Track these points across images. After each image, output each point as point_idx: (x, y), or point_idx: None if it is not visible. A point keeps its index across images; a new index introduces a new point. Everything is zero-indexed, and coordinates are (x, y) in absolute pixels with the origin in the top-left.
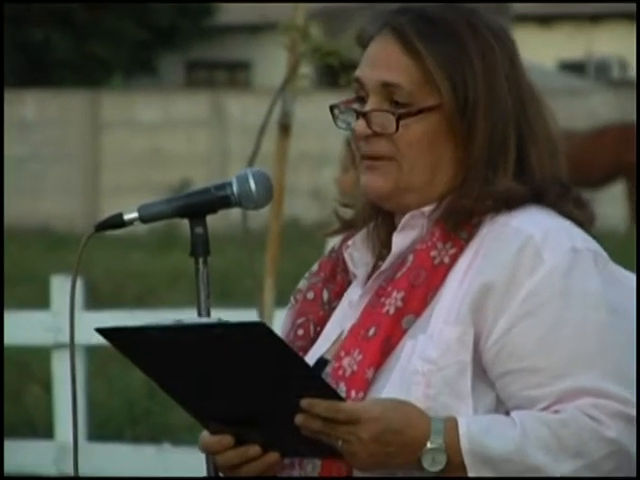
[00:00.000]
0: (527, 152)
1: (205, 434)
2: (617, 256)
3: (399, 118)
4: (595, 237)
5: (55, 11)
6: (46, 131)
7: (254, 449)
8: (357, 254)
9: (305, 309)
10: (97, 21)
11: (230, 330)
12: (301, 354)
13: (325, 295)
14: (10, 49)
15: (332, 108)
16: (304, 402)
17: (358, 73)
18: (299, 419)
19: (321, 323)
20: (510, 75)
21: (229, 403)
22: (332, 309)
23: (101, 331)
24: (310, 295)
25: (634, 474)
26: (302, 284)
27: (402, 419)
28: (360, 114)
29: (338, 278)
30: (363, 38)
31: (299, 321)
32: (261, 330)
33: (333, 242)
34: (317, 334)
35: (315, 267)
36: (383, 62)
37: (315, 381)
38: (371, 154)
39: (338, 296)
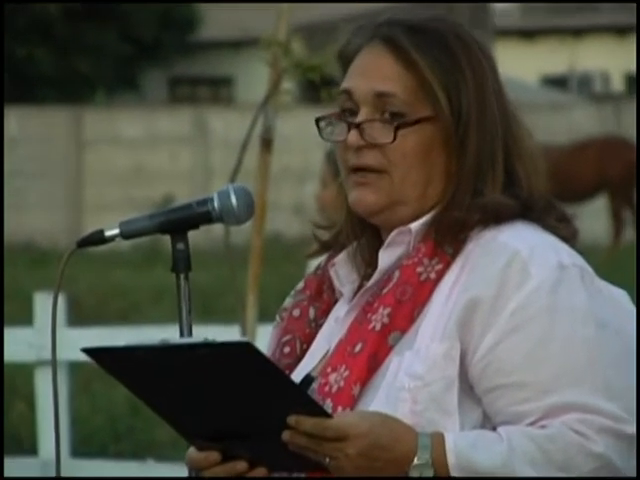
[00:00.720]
0: (514, 167)
1: (192, 450)
2: (601, 270)
3: (397, 128)
4: (579, 252)
5: (36, 24)
6: (29, 147)
7: (241, 464)
8: (343, 272)
9: (291, 327)
10: (78, 35)
11: (216, 350)
12: (287, 372)
13: (311, 313)
14: None
15: (317, 120)
16: (291, 419)
17: (348, 84)
18: (286, 436)
19: (307, 341)
20: (497, 90)
21: (216, 420)
22: (318, 327)
23: (87, 351)
24: (296, 313)
25: None
26: (287, 302)
27: (389, 434)
28: (353, 125)
29: (324, 296)
30: (347, 51)
31: (285, 339)
32: (247, 349)
33: (316, 262)
34: (303, 352)
35: (301, 285)
36: (376, 72)
37: (302, 398)
38: (362, 166)
39: (324, 314)
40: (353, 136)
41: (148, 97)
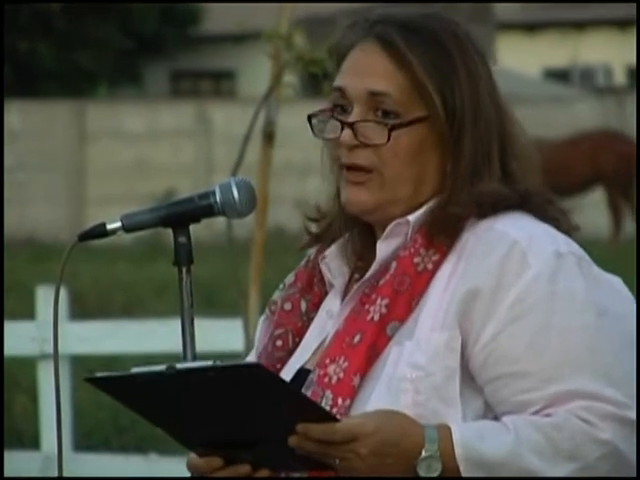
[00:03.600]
0: (510, 165)
1: (193, 455)
2: (601, 263)
3: (392, 129)
4: (580, 245)
5: (37, 18)
6: (31, 141)
7: (244, 468)
8: (334, 264)
9: (283, 320)
10: (80, 29)
11: (225, 373)
12: (279, 365)
13: (303, 306)
14: None
15: (310, 117)
16: (300, 427)
17: (340, 82)
18: (294, 441)
19: (299, 334)
20: (490, 87)
21: (221, 432)
22: (310, 320)
23: (90, 380)
24: (287, 306)
25: (629, 475)
26: (277, 295)
27: (397, 429)
28: (346, 124)
29: (315, 289)
30: (341, 46)
31: (277, 332)
32: (257, 371)
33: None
34: (296, 345)
35: (291, 278)
36: (370, 71)
37: (310, 408)
38: (353, 165)
39: (316, 307)
40: (346, 135)
41: (150, 91)
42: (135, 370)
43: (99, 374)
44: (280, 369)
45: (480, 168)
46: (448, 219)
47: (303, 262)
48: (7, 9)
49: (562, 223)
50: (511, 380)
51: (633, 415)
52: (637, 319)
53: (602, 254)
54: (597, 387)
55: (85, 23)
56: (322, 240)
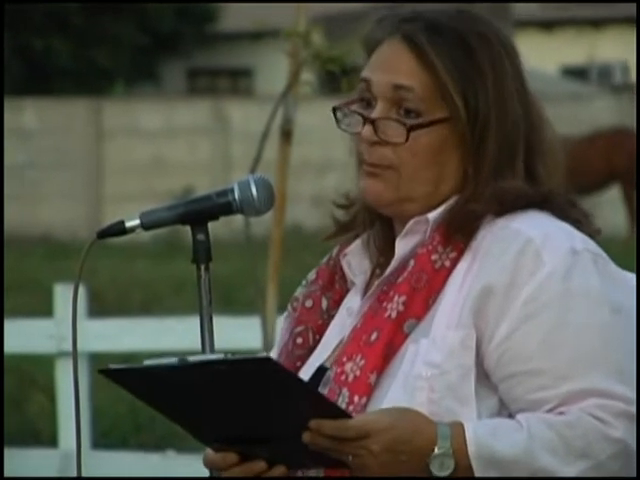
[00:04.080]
0: (534, 164)
1: (209, 451)
2: (619, 261)
3: (410, 130)
4: (597, 243)
5: (53, 16)
6: (48, 139)
7: (260, 465)
8: (355, 261)
9: (304, 317)
10: (96, 26)
11: (236, 366)
12: (299, 363)
13: (324, 303)
14: (10, 57)
15: (335, 110)
16: (313, 423)
17: (367, 74)
18: (307, 437)
19: (320, 331)
20: (519, 86)
21: (235, 428)
22: (331, 317)
23: (104, 372)
24: (309, 303)
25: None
26: (299, 292)
27: (410, 426)
28: (368, 120)
29: (336, 286)
30: (370, 41)
31: (298, 329)
32: (267, 364)
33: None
34: (316, 342)
35: (313, 275)
36: (395, 67)
37: (321, 402)
38: (373, 161)
39: (337, 304)
40: (367, 131)
41: (167, 88)
42: (148, 362)
43: (112, 366)
44: (300, 367)
45: (503, 169)
46: (467, 216)
47: (325, 259)
48: (23, 7)
49: (584, 225)
50: (525, 378)
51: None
52: (637, 311)
53: (619, 251)
54: (610, 384)
55: (102, 21)
56: (347, 231)
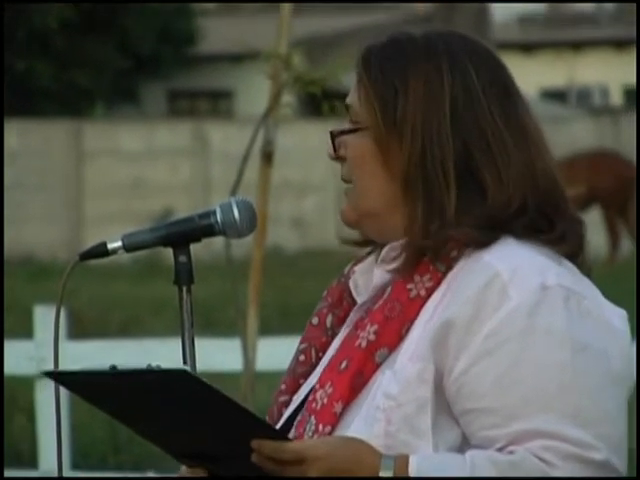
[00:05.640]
0: (483, 179)
1: (183, 467)
2: (599, 284)
3: (333, 136)
4: (587, 268)
5: (35, 37)
6: (29, 160)
7: None
8: (361, 280)
9: (309, 335)
10: (77, 48)
11: (157, 376)
12: (302, 380)
13: (329, 320)
14: None
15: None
16: (254, 443)
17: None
18: (254, 458)
19: (323, 349)
20: (463, 101)
21: (186, 442)
22: (335, 334)
23: (48, 374)
24: (315, 321)
25: None
26: (316, 309)
27: (351, 456)
28: (332, 138)
29: (344, 304)
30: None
31: (301, 347)
32: (183, 376)
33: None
34: (319, 360)
35: (324, 292)
36: (352, 87)
37: (255, 423)
38: (341, 178)
39: (342, 322)
40: (330, 148)
41: (147, 110)
42: (84, 368)
43: (53, 369)
44: (302, 384)
45: (433, 181)
46: (426, 251)
47: (336, 278)
48: (5, 28)
49: (562, 247)
50: (478, 415)
51: (600, 456)
52: (637, 341)
53: (599, 274)
54: (561, 427)
55: (83, 42)
56: (367, 245)
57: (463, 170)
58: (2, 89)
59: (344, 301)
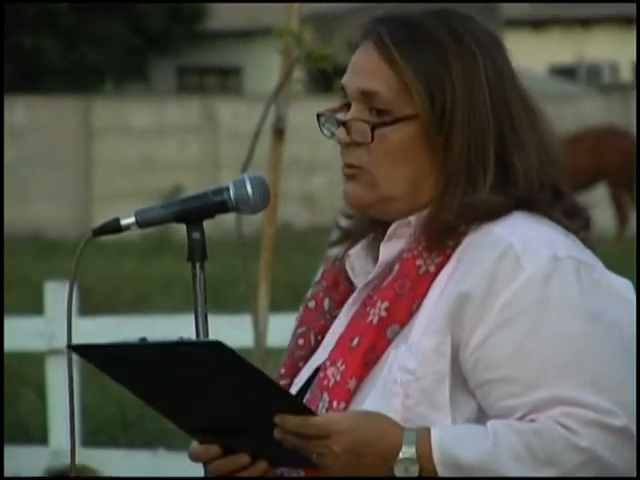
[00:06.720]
0: (512, 161)
1: (195, 443)
2: (607, 262)
3: (374, 127)
4: (590, 245)
5: (44, 14)
6: (38, 137)
7: (243, 458)
8: (358, 263)
9: (306, 318)
10: (86, 25)
11: (190, 348)
12: (301, 364)
13: (326, 304)
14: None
15: (319, 116)
16: (277, 418)
17: (343, 80)
18: (277, 433)
19: (322, 332)
20: (494, 83)
21: (208, 416)
22: (333, 318)
23: (73, 347)
24: (311, 304)
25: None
26: (309, 292)
27: (374, 430)
28: (340, 122)
29: (341, 287)
30: (352, 46)
31: (300, 330)
32: (218, 348)
33: (335, 250)
34: (318, 343)
35: (319, 276)
36: (363, 70)
37: (284, 396)
38: (349, 162)
39: (340, 305)
40: (341, 133)
41: (156, 87)
42: (111, 341)
43: (80, 343)
44: (302, 368)
45: (474, 169)
46: (442, 225)
47: (330, 261)
48: (13, 6)
49: (567, 223)
50: (497, 386)
51: (620, 422)
52: (637, 314)
53: (607, 252)
54: (581, 394)
55: (92, 19)
56: (351, 237)
57: (497, 154)
58: (2, 63)
59: (340, 285)
